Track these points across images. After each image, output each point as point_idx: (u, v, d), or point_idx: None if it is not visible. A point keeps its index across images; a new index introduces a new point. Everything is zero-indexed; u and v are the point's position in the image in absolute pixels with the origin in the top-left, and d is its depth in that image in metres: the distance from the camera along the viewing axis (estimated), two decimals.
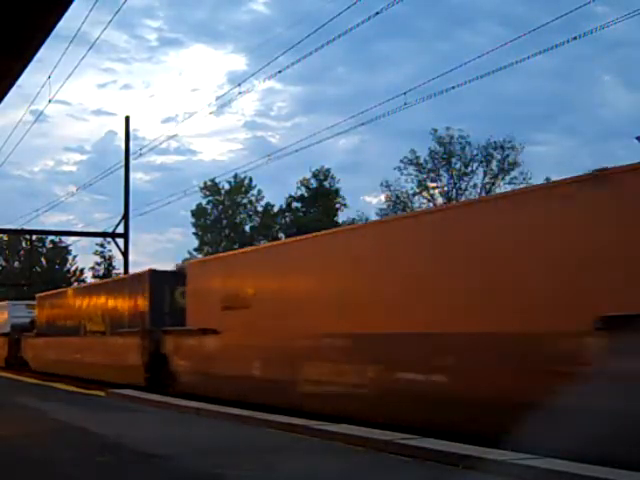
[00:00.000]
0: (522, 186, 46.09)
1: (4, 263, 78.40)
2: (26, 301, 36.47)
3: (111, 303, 22.83)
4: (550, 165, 74.54)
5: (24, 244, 70.95)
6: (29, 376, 27.55)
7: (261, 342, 14.63)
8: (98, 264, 69.41)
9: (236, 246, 61.53)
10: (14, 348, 32.96)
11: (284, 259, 14.74)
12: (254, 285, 15.23)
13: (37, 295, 32.89)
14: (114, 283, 24.37)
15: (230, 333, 15.60)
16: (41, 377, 26.78)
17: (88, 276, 71.98)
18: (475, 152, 56.68)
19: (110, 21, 17.80)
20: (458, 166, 57.41)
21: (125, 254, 33.88)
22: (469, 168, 57.36)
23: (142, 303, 20.01)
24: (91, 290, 27.00)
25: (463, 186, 57.66)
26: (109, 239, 44.82)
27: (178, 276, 19.91)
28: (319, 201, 63.65)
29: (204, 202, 68.80)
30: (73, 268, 76.72)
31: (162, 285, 19.67)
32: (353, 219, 59.16)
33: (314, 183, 64.84)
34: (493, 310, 9.69)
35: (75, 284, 65.11)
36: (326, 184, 64.65)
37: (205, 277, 17.47)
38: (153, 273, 20.50)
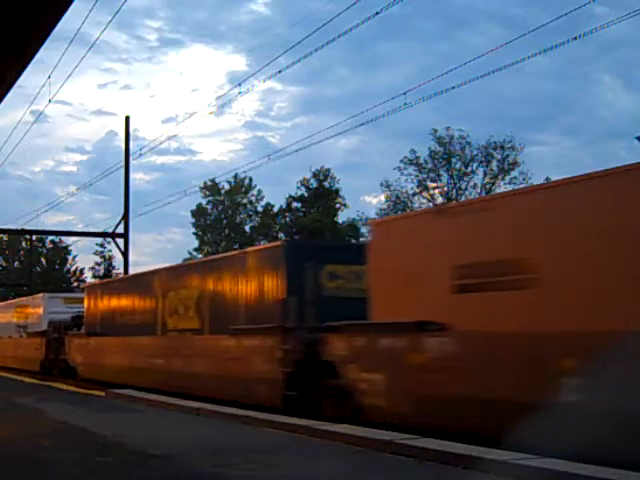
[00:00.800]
0: (523, 186, 45.89)
1: (4, 263, 78.43)
2: (63, 294, 32.89)
3: (211, 290, 17.19)
4: (550, 165, 74.57)
5: (24, 244, 71.04)
6: (28, 376, 27.56)
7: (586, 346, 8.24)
8: (98, 264, 69.49)
9: (236, 246, 61.39)
10: (53, 350, 27.64)
11: None
12: (550, 248, 9.05)
13: (85, 285, 28.43)
14: (215, 262, 18.44)
15: (483, 328, 9.73)
16: (40, 377, 26.81)
17: (88, 276, 72.09)
18: (475, 152, 56.69)
19: (110, 21, 17.93)
20: (458, 166, 57.41)
21: (125, 254, 33.87)
22: (469, 168, 57.33)
23: (275, 289, 14.55)
24: (174, 274, 19.90)
25: (463, 186, 57.71)
26: (109, 239, 44.80)
27: (324, 250, 15.65)
28: (319, 201, 63.51)
29: (204, 202, 68.82)
30: (73, 268, 76.85)
31: (302, 263, 14.05)
32: (353, 219, 59.24)
33: (314, 183, 64.74)
34: None
35: (75, 284, 65.10)
36: (326, 184, 64.56)
37: (410, 244, 11.45)
38: (290, 246, 15.44)
